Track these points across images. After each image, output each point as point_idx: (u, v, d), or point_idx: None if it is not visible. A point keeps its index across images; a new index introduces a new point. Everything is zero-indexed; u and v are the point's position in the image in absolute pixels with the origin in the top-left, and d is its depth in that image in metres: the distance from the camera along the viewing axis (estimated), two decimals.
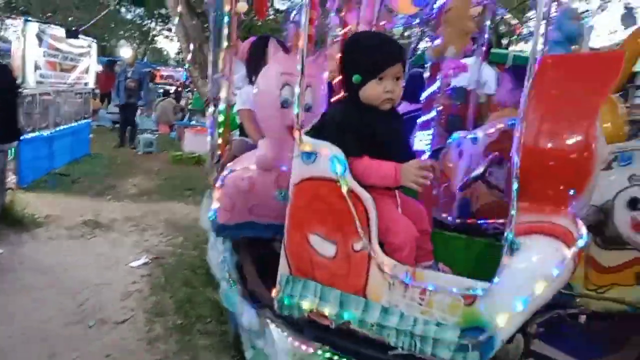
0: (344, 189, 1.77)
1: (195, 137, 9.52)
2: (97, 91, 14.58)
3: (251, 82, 3.12)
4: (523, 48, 14.58)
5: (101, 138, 10.76)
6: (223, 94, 2.86)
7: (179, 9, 7.92)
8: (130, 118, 10.63)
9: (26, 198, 5.65)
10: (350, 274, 1.81)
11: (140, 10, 24.59)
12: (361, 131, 1.90)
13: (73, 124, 8.24)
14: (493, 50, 4.71)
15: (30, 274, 3.84)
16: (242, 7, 2.98)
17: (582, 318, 2.28)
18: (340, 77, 2.12)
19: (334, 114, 2.03)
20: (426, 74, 3.55)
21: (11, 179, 5.69)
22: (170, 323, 3.24)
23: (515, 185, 1.59)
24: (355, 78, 1.91)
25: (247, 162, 2.47)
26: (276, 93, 2.36)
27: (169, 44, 31.19)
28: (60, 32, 7.43)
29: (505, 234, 1.62)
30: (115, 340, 3.04)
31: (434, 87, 3.45)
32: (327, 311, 1.85)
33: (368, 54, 1.93)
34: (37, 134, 6.71)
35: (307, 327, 1.96)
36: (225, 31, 2.91)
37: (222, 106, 2.79)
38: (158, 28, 26.77)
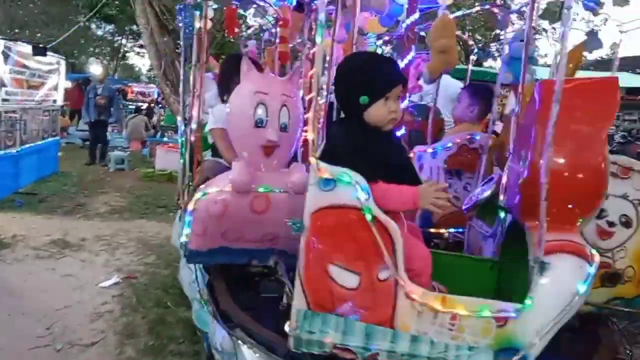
0: (369, 217, 1.70)
1: (167, 153, 9.42)
2: (67, 108, 14.40)
3: (223, 101, 3.09)
4: (492, 65, 15.02)
5: (71, 156, 10.56)
6: (194, 113, 2.83)
7: (150, 25, 7.92)
8: (101, 135, 10.47)
9: None
10: (376, 305, 1.75)
11: (110, 27, 24.43)
12: (372, 154, 1.86)
13: (40, 142, 8.07)
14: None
15: None
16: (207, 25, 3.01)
17: None
18: (339, 98, 2.04)
19: (340, 138, 1.94)
20: None
21: None
22: (142, 344, 3.18)
23: (543, 205, 1.65)
24: (363, 99, 1.87)
25: (220, 184, 2.40)
26: (250, 112, 2.34)
27: (140, 60, 31.00)
28: (27, 49, 7.31)
29: (535, 254, 1.68)
30: None
31: (403, 104, 3.51)
32: (351, 345, 1.77)
33: (374, 74, 1.90)
34: (2, 152, 6.55)
35: None
36: (196, 49, 2.91)
37: (193, 125, 2.76)
38: (129, 44, 26.63)
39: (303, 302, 1.81)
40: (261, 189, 2.35)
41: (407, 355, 1.72)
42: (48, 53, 7.85)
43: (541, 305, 1.66)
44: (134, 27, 20.34)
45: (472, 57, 4.48)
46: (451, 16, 3.28)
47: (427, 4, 3.51)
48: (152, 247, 5.13)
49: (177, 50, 7.87)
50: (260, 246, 2.50)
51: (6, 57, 6.59)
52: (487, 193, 2.19)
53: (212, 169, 2.84)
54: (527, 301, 1.67)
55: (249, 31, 5.32)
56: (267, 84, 2.45)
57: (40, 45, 7.75)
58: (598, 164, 1.79)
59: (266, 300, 2.42)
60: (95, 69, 12.35)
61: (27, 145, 7.41)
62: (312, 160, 1.77)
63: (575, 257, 1.71)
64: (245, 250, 2.47)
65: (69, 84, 14.45)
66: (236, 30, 4.64)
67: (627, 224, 2.35)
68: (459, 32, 4.04)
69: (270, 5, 3.85)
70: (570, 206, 1.80)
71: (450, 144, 3.43)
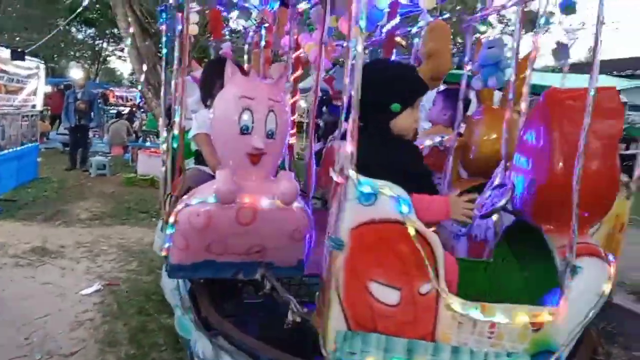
0: (412, 231, 1.67)
1: (149, 158, 9.34)
2: (47, 113, 14.21)
3: (206, 106, 3.00)
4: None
5: (51, 161, 10.41)
6: (176, 119, 2.75)
7: (131, 29, 7.85)
8: (82, 140, 10.34)
9: None
10: (417, 320, 1.73)
11: (91, 30, 24.19)
12: (403, 165, 1.85)
13: (19, 148, 7.95)
14: None
15: None
16: (193, 30, 2.96)
17: None
18: (363, 105, 2.02)
19: (371, 148, 1.86)
20: None
21: None
22: (123, 353, 3.13)
23: (576, 212, 1.72)
24: (395, 107, 1.87)
25: (204, 194, 2.27)
26: (235, 118, 2.22)
27: (122, 64, 30.74)
28: (6, 53, 7.19)
29: (565, 258, 1.75)
30: None
31: None
32: None
33: (406, 82, 1.92)
34: None
35: None
36: (177, 52, 2.84)
37: (175, 132, 2.62)
38: (110, 48, 26.38)
39: (342, 322, 1.74)
40: (247, 199, 2.24)
41: None
42: (27, 57, 7.75)
43: (572, 307, 1.74)
44: (115, 31, 20.18)
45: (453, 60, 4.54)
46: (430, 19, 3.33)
47: (408, 8, 3.54)
48: (133, 253, 5.08)
49: (158, 54, 7.80)
50: (246, 259, 2.41)
51: None
52: (503, 201, 2.19)
53: (195, 177, 2.72)
54: (560, 303, 1.74)
55: (234, 34, 5.31)
56: (253, 89, 2.33)
57: (19, 50, 7.63)
58: (611, 172, 1.88)
59: (249, 306, 2.41)
60: (75, 73, 12.18)
61: (5, 151, 7.30)
62: (352, 174, 1.67)
63: (598, 260, 1.81)
64: (231, 264, 2.37)
65: (48, 89, 14.28)
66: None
67: None
68: None
69: (255, 8, 3.84)
70: (588, 211, 1.86)
71: (421, 146, 3.49)
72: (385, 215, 1.68)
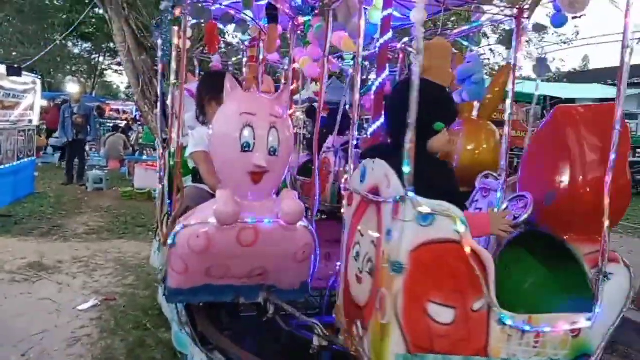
0: (467, 249, 1.68)
1: (146, 172, 9.34)
2: (44, 127, 14.22)
3: (203, 123, 2.90)
4: None
5: (48, 175, 10.41)
6: (173, 135, 2.59)
7: (127, 44, 7.89)
8: (79, 154, 10.35)
9: None
10: (471, 336, 1.75)
11: (87, 45, 24.27)
12: (442, 183, 1.89)
13: (16, 163, 7.94)
14: None
15: None
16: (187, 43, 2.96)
17: None
18: (400, 122, 2.00)
19: (418, 167, 1.80)
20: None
21: None
22: None
23: (607, 223, 1.80)
24: (438, 125, 1.91)
25: (204, 214, 2.17)
26: (235, 135, 2.12)
27: (118, 77, 30.82)
28: (1, 69, 7.22)
29: (598, 265, 1.84)
30: None
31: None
32: None
33: (448, 102, 1.98)
34: None
35: None
36: (174, 66, 2.80)
37: (172, 148, 2.53)
38: (107, 62, 26.43)
39: (402, 346, 1.72)
40: (249, 220, 2.14)
41: None
42: (23, 73, 7.77)
43: (605, 311, 1.84)
44: (112, 45, 20.23)
45: None
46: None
47: (400, 22, 3.58)
48: (130, 267, 5.07)
49: (155, 68, 7.83)
50: (247, 282, 2.32)
51: None
52: (525, 216, 2.23)
53: (194, 196, 2.61)
54: (597, 309, 1.82)
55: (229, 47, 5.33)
56: (254, 104, 2.23)
57: (15, 65, 7.66)
58: (624, 184, 1.99)
59: (246, 320, 2.40)
60: (71, 87, 12.22)
61: (2, 166, 7.29)
62: (411, 195, 1.66)
63: (619, 265, 1.91)
64: (232, 287, 2.28)
65: (45, 103, 14.30)
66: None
67: None
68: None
69: (253, 20, 3.85)
70: (603, 220, 1.93)
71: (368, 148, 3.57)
72: (443, 235, 1.68)
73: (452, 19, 11.60)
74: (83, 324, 3.73)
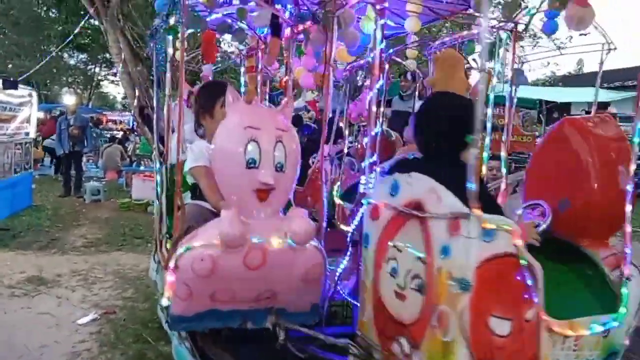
0: (524, 262, 1.70)
1: (143, 183, 9.32)
2: (40, 139, 14.21)
3: (202, 136, 2.80)
4: None
5: (45, 188, 10.39)
6: (171, 146, 2.54)
7: (123, 54, 7.91)
8: (76, 166, 10.34)
9: None
10: (524, 346, 1.77)
11: (83, 56, 24.30)
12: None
13: (13, 176, 7.94)
14: None
15: None
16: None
17: None
18: (434, 135, 2.07)
19: (452, 178, 1.84)
20: None
21: None
22: None
23: (629, 229, 1.95)
24: (470, 138, 1.89)
25: (208, 235, 2.02)
26: (240, 150, 2.00)
27: (115, 88, 30.83)
28: None
29: (621, 268, 1.98)
30: None
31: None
32: None
33: (475, 115, 2.00)
34: None
35: None
36: (169, 77, 2.70)
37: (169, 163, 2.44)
38: (103, 73, 26.45)
39: None
40: (256, 240, 2.01)
41: None
42: (20, 85, 7.79)
43: (629, 311, 1.98)
44: (107, 55, 20.26)
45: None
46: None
47: (394, 31, 3.60)
48: (129, 280, 5.05)
49: (151, 79, 7.84)
50: (255, 306, 2.20)
51: None
52: (544, 225, 2.26)
53: (195, 215, 2.46)
54: (622, 310, 1.94)
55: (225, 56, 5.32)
56: (259, 117, 2.11)
57: (11, 79, 7.68)
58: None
59: (246, 334, 2.38)
60: (68, 99, 12.23)
61: None
62: (476, 211, 1.65)
63: (633, 267, 2.01)
64: (238, 312, 2.17)
65: (41, 115, 14.30)
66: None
67: None
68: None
69: (252, 30, 3.85)
70: (612, 226, 2.21)
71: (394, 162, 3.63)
72: (503, 249, 1.69)
73: (447, 24, 11.65)
74: (83, 338, 3.72)
